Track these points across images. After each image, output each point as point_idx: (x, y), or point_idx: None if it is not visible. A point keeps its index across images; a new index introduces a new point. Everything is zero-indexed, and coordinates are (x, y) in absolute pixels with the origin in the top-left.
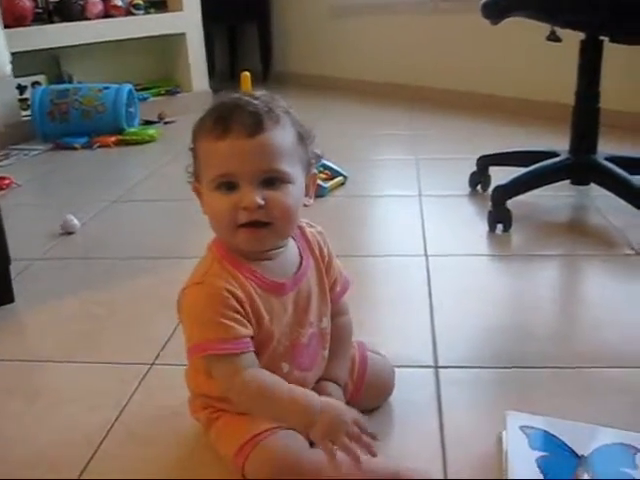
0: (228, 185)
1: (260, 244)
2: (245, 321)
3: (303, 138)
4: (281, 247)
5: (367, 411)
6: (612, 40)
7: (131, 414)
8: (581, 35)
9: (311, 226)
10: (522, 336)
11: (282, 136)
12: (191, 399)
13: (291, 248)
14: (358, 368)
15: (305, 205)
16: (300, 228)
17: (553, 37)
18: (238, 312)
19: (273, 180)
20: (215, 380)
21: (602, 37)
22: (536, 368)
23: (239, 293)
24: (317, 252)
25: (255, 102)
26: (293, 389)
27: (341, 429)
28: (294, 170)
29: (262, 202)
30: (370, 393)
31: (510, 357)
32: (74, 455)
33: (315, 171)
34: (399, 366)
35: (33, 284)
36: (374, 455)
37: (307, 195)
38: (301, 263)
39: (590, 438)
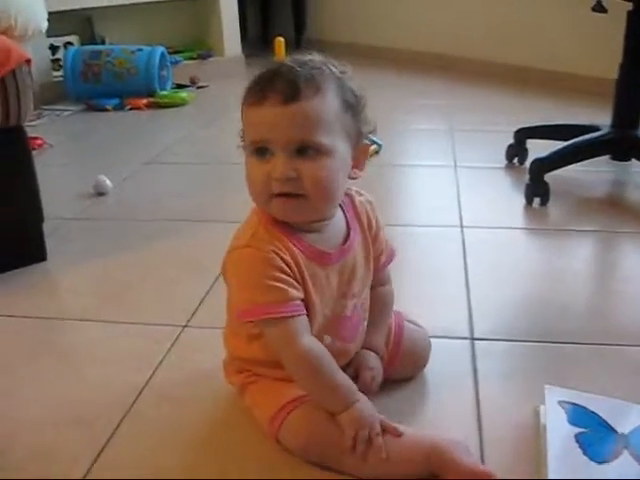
0: (263, 151)
1: (294, 215)
2: (296, 283)
3: (351, 107)
4: (326, 219)
5: (402, 381)
6: None
7: (164, 376)
8: (628, 6)
9: (360, 194)
10: (558, 311)
11: (321, 105)
12: (226, 363)
13: (339, 219)
14: (394, 337)
15: (352, 178)
16: (349, 196)
17: (599, 7)
18: (288, 274)
19: (307, 150)
20: (267, 344)
21: None
22: (573, 344)
23: (287, 257)
24: (365, 222)
25: (298, 70)
26: (339, 371)
27: (367, 423)
28: (333, 141)
29: (293, 174)
30: (406, 363)
31: (546, 331)
32: (105, 416)
33: (366, 142)
34: (435, 337)
35: (65, 243)
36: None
37: (356, 167)
38: (348, 234)
39: (630, 416)
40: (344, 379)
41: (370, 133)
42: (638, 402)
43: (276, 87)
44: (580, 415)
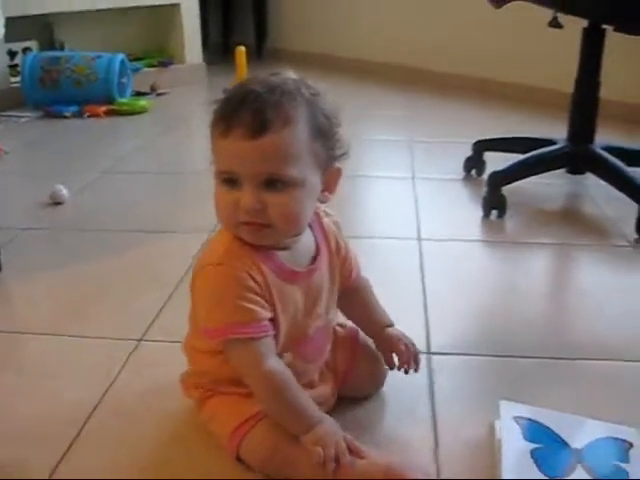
0: (231, 181)
1: (262, 240)
2: (265, 303)
3: (322, 133)
4: (295, 237)
5: (358, 398)
6: (616, 29)
7: (119, 391)
8: (584, 23)
9: (327, 214)
10: (515, 324)
11: (289, 137)
12: (185, 376)
13: (307, 238)
14: (350, 353)
15: (322, 201)
16: (317, 215)
17: (555, 23)
18: (258, 294)
19: (275, 183)
20: (231, 364)
21: (605, 26)
22: (528, 358)
23: (258, 276)
24: (333, 244)
25: (266, 97)
26: (303, 392)
27: (332, 441)
28: (302, 172)
29: (259, 206)
30: (362, 379)
31: (503, 345)
32: (60, 431)
33: (338, 166)
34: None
35: (20, 254)
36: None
37: (326, 191)
38: (317, 254)
39: (584, 431)
40: (308, 400)
41: (342, 155)
42: (592, 416)
43: (242, 119)
44: (535, 431)
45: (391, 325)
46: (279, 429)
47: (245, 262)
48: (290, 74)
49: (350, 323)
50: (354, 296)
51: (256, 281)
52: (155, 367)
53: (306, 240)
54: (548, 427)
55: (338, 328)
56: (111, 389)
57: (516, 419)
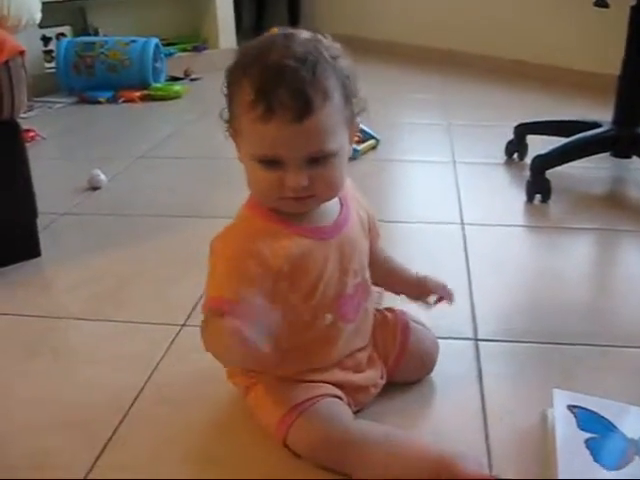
0: (273, 162)
1: (306, 208)
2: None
3: (349, 97)
4: None
5: (408, 384)
6: None
7: (162, 377)
8: (631, 1)
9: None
10: (562, 311)
11: (329, 113)
12: None
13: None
14: (400, 337)
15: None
16: None
17: (601, 2)
18: (254, 280)
19: (319, 159)
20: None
21: None
22: (578, 345)
23: (269, 256)
24: (357, 201)
25: (302, 73)
26: None
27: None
28: (340, 141)
29: (307, 182)
30: (412, 365)
31: (550, 332)
32: (102, 418)
33: (358, 120)
34: (438, 338)
35: (59, 239)
36: None
37: (350, 143)
38: (342, 210)
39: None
40: None
41: (361, 112)
42: None
43: (284, 102)
44: (590, 420)
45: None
46: (330, 416)
47: (261, 238)
48: (305, 34)
49: (400, 309)
50: (380, 265)
51: (264, 263)
52: (198, 352)
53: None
54: (603, 416)
55: (387, 313)
56: (154, 376)
57: (570, 408)
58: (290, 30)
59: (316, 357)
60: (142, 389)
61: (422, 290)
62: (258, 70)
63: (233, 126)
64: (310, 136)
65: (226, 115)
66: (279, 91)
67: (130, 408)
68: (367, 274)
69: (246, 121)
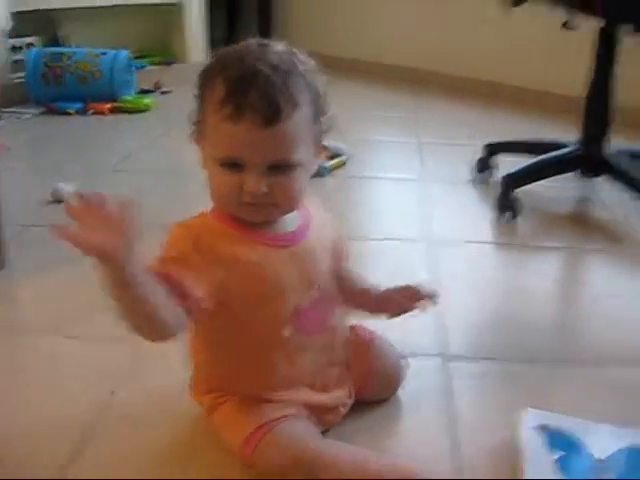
0: (234, 165)
1: (263, 218)
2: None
3: (320, 112)
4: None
5: (376, 402)
6: (637, 29)
7: (126, 394)
8: (598, 24)
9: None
10: (530, 329)
11: (297, 122)
12: (194, 381)
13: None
14: (367, 357)
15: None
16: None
17: (569, 25)
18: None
19: (281, 167)
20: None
21: (622, 26)
22: (546, 363)
23: (212, 245)
24: (324, 218)
25: (274, 79)
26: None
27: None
28: (305, 153)
29: (265, 189)
30: (379, 382)
31: (519, 350)
32: (64, 436)
33: (325, 137)
34: (407, 356)
35: (24, 251)
36: None
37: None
38: (302, 222)
39: (609, 439)
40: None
41: (329, 130)
42: (612, 423)
43: (255, 105)
44: (559, 439)
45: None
46: (297, 436)
47: (205, 232)
48: (280, 46)
49: (365, 327)
50: (348, 286)
51: (205, 249)
52: (165, 370)
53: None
54: (572, 434)
55: (353, 331)
56: (118, 393)
57: (539, 427)
58: (266, 40)
59: (281, 372)
60: (104, 407)
61: (390, 303)
62: (231, 72)
63: (199, 129)
64: (276, 143)
65: (194, 117)
66: (250, 93)
67: (92, 426)
68: (331, 289)
69: (214, 121)
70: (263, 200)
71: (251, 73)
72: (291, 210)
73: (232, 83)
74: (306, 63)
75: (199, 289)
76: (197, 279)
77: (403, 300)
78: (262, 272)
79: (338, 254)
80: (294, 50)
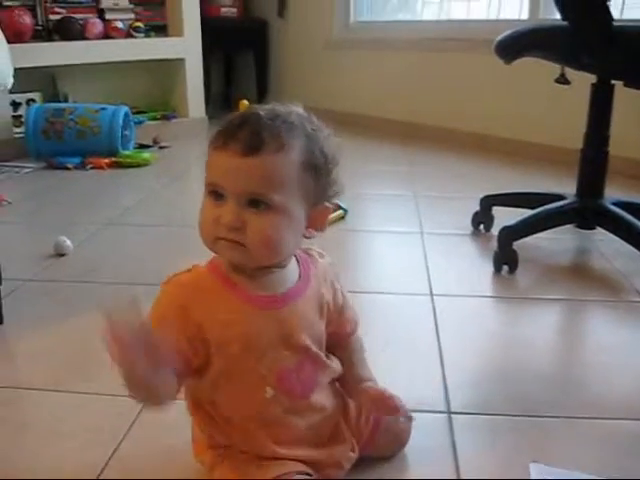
0: (217, 195)
1: (237, 259)
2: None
3: (315, 168)
4: (274, 268)
5: (381, 459)
6: (626, 85)
7: (127, 451)
8: (590, 78)
9: (322, 256)
10: (533, 382)
11: (280, 163)
12: (195, 438)
13: (292, 270)
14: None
15: (306, 237)
16: (308, 255)
17: (562, 80)
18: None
19: (259, 203)
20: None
21: (615, 81)
22: (550, 417)
23: (197, 316)
24: (327, 285)
25: (267, 122)
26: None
27: None
28: (287, 200)
29: (238, 224)
30: (386, 440)
31: (523, 404)
32: None
33: (327, 204)
34: (410, 410)
35: (23, 306)
36: None
37: (312, 227)
38: (298, 282)
39: None
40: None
41: (335, 196)
42: (616, 477)
43: (239, 136)
44: None
45: (370, 380)
46: None
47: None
48: (297, 108)
49: (372, 383)
50: (342, 354)
51: (192, 319)
52: (166, 427)
53: (289, 272)
54: None
55: (365, 387)
56: (119, 450)
57: None
58: (287, 103)
59: (273, 431)
60: (106, 464)
61: (360, 401)
62: (233, 117)
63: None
64: (251, 174)
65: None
66: (239, 129)
67: None
68: (320, 351)
69: (209, 151)
70: (234, 236)
71: (250, 114)
72: (264, 259)
73: (230, 121)
74: (314, 123)
75: (175, 352)
76: (177, 340)
77: (373, 408)
78: (238, 330)
79: (337, 318)
80: (309, 114)
